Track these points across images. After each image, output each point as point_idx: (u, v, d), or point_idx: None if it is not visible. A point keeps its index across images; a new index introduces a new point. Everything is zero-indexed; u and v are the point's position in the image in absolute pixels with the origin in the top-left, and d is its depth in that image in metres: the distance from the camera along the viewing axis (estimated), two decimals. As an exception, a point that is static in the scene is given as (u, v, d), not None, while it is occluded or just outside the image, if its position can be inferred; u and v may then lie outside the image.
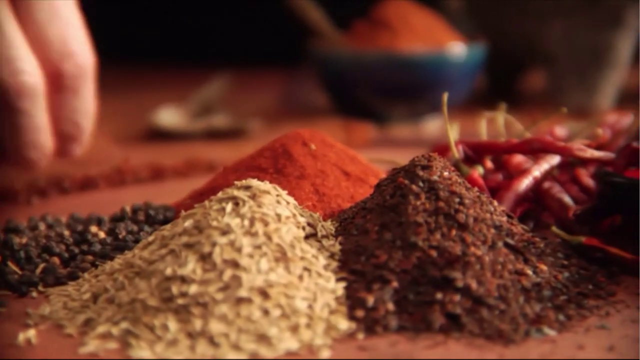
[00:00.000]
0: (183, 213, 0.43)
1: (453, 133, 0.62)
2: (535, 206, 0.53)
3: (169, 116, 0.80)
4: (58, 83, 0.54)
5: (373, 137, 0.81)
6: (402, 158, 0.62)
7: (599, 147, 0.54)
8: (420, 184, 0.44)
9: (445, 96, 0.54)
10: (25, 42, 0.53)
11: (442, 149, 0.58)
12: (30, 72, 0.52)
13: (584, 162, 0.53)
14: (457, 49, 0.84)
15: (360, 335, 0.38)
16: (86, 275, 0.42)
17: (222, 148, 0.74)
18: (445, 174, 0.45)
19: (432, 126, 0.85)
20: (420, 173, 0.45)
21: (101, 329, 0.37)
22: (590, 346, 0.37)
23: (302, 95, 0.98)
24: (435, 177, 0.44)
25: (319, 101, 0.91)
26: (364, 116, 0.85)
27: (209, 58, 1.05)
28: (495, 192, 0.52)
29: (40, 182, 0.61)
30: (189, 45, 1.14)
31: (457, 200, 0.44)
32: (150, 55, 1.17)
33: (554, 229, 0.49)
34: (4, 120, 0.52)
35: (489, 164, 0.56)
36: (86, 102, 0.56)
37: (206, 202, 0.43)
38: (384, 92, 0.84)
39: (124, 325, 0.37)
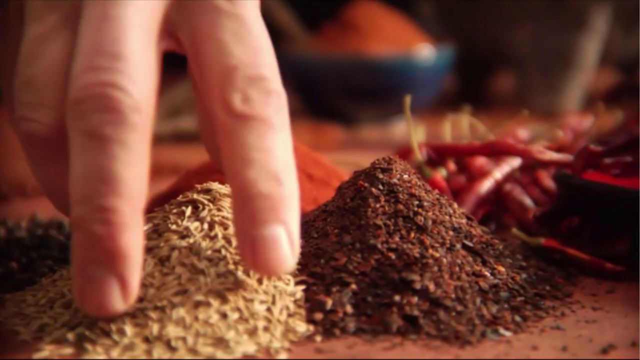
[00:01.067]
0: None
1: (418, 135, 0.62)
2: (497, 208, 0.54)
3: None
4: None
5: (342, 139, 0.81)
6: (368, 160, 0.62)
7: (559, 149, 0.55)
8: (380, 186, 0.44)
9: (408, 99, 0.55)
10: None
11: (407, 151, 0.58)
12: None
13: (545, 164, 0.54)
14: (425, 51, 0.85)
15: (318, 338, 0.39)
16: (44, 280, 0.42)
17: (189, 151, 0.74)
18: (405, 176, 0.45)
19: (400, 128, 0.86)
20: (380, 176, 0.45)
21: (57, 334, 0.37)
22: (544, 346, 0.37)
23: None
24: (394, 180, 0.45)
25: (289, 103, 0.91)
26: (333, 118, 0.85)
27: (178, 59, 1.04)
28: (458, 194, 0.53)
29: (2, 187, 0.60)
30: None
31: (416, 202, 0.44)
32: None
33: (514, 230, 0.49)
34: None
35: (452, 166, 0.56)
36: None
37: (166, 206, 0.43)
38: (353, 95, 0.85)
39: (80, 330, 0.37)
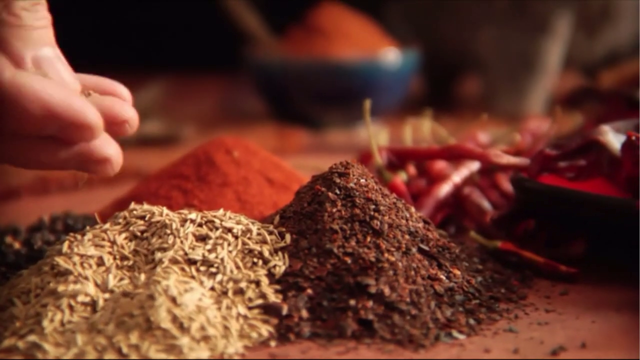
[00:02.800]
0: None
1: (380, 139, 0.63)
2: (456, 211, 0.54)
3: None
4: None
5: (307, 142, 0.81)
6: (330, 164, 0.62)
7: (517, 153, 0.55)
8: (337, 191, 0.45)
9: (367, 103, 0.55)
10: None
11: (368, 155, 0.59)
12: None
13: (503, 167, 0.54)
14: (391, 55, 0.85)
15: (273, 343, 0.39)
16: (-5, 287, 0.41)
17: (153, 155, 0.74)
18: (362, 181, 0.45)
19: (366, 131, 0.86)
20: (337, 180, 0.45)
21: (7, 342, 0.36)
22: (497, 349, 0.38)
23: (238, 101, 0.98)
24: (351, 185, 0.45)
25: (256, 107, 0.91)
26: (299, 122, 0.86)
27: (144, 63, 1.04)
28: (418, 197, 0.53)
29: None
30: (123, 50, 1.13)
31: (372, 207, 0.44)
32: (82, 58, 1.15)
33: (472, 233, 0.50)
34: None
35: (412, 170, 0.57)
36: None
37: (114, 218, 0.43)
38: (318, 98, 0.85)
39: (31, 338, 0.36)
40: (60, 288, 0.38)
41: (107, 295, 0.39)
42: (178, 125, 0.82)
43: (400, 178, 0.55)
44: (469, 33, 0.90)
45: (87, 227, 0.42)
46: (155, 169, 0.66)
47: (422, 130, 0.62)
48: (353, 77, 0.84)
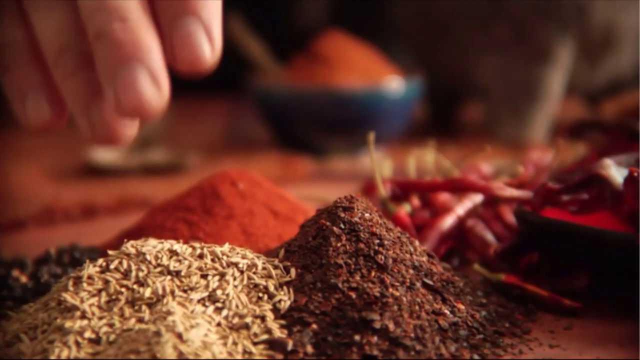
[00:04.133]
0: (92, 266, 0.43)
1: (384, 170, 0.63)
2: (460, 243, 0.54)
3: (105, 151, 0.80)
4: None
5: (311, 170, 0.82)
6: (336, 193, 0.62)
7: (521, 185, 0.56)
8: (342, 225, 0.45)
9: (372, 136, 0.56)
10: None
11: (372, 186, 0.59)
12: None
13: (507, 200, 0.55)
14: (394, 83, 0.86)
15: (278, 379, 0.39)
16: (2, 322, 0.42)
17: (158, 184, 0.74)
18: (367, 215, 0.46)
19: (369, 161, 0.86)
20: (342, 214, 0.45)
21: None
22: (501, 386, 0.38)
23: (242, 128, 0.99)
24: (356, 219, 0.45)
25: (259, 134, 0.92)
26: (303, 149, 0.86)
27: None
28: (422, 229, 0.54)
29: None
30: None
31: (377, 241, 0.44)
32: None
33: (476, 266, 0.50)
34: None
35: (416, 201, 0.57)
36: None
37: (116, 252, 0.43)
38: (322, 126, 0.86)
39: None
40: (67, 324, 0.39)
41: (113, 331, 0.39)
42: (183, 153, 0.82)
43: (404, 210, 0.55)
44: (470, 61, 0.90)
45: (94, 262, 0.43)
46: (161, 198, 0.67)
47: (426, 161, 0.63)
48: (356, 106, 0.85)
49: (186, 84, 1.18)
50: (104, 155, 0.79)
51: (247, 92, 0.90)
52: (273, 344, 0.40)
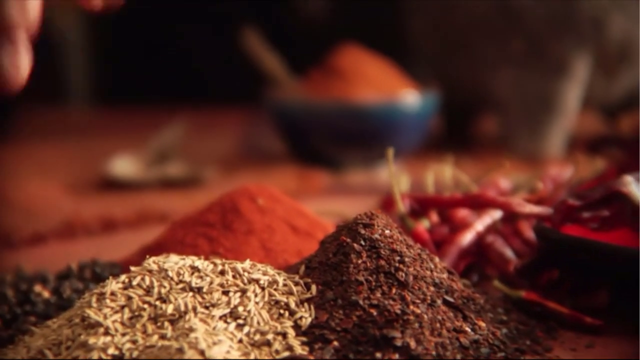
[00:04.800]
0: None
1: (402, 184, 0.63)
2: (479, 259, 0.54)
3: (123, 165, 0.80)
4: None
5: (327, 183, 0.82)
6: (356, 207, 0.62)
7: (539, 201, 0.56)
8: (362, 242, 0.45)
9: (391, 152, 0.56)
10: None
11: (390, 202, 0.59)
12: None
13: (526, 216, 0.55)
14: (410, 97, 0.86)
15: (300, 397, 0.39)
16: (26, 337, 0.42)
17: (176, 197, 0.75)
18: (387, 232, 0.46)
19: (385, 173, 0.86)
20: (362, 231, 0.45)
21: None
22: (524, 405, 0.38)
23: (259, 141, 0.99)
24: (376, 236, 0.45)
25: (276, 147, 0.92)
26: (319, 163, 0.86)
27: (165, 101, 1.05)
28: (441, 245, 0.54)
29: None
30: (144, 89, 1.14)
31: (397, 258, 0.44)
32: (104, 99, 1.17)
33: (496, 282, 0.50)
34: None
35: (435, 217, 0.57)
36: None
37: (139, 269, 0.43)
38: (338, 140, 0.86)
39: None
40: (91, 340, 0.39)
41: (136, 348, 0.39)
42: (200, 166, 0.83)
43: (423, 225, 0.55)
44: (486, 74, 0.91)
45: (116, 278, 0.43)
46: (178, 212, 0.67)
47: (444, 176, 0.63)
48: (372, 119, 0.85)
49: (202, 96, 1.19)
50: (122, 168, 0.80)
51: (264, 106, 0.91)
52: (295, 361, 0.40)
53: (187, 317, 0.41)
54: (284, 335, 0.41)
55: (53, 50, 1.14)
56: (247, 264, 0.45)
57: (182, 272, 0.43)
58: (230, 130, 1.04)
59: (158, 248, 0.52)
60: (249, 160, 0.91)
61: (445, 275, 0.46)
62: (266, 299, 0.43)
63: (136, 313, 0.41)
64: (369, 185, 0.82)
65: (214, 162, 0.85)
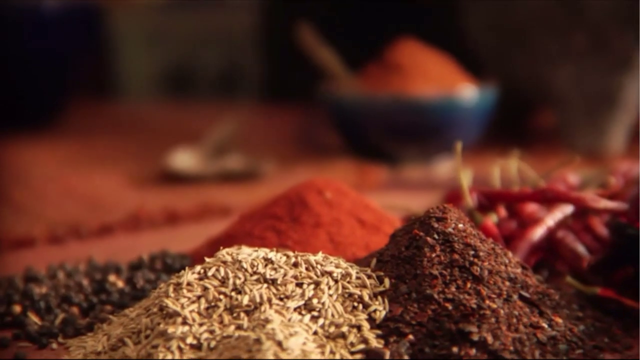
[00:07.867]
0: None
1: (466, 179, 0.62)
2: (549, 255, 0.53)
3: (183, 159, 0.81)
4: None
5: (385, 178, 0.82)
6: (415, 202, 0.62)
7: (611, 196, 0.54)
8: (435, 236, 0.45)
9: (459, 146, 0.55)
10: None
11: (456, 196, 0.58)
12: None
13: (600, 212, 0.54)
14: (469, 92, 0.85)
15: (377, 390, 0.39)
16: (104, 326, 0.43)
17: (236, 191, 0.75)
18: (460, 225, 0.45)
19: (443, 168, 0.86)
20: (435, 225, 0.45)
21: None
22: (607, 403, 0.37)
23: (316, 135, 0.99)
24: (449, 229, 0.45)
25: (333, 141, 0.92)
26: (376, 157, 0.86)
27: (223, 95, 1.06)
28: (509, 240, 0.53)
29: (57, 229, 0.61)
30: (201, 84, 1.15)
31: (471, 252, 0.44)
32: (163, 93, 1.19)
33: (569, 279, 0.49)
34: None
35: (503, 212, 0.56)
36: None
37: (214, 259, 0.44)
38: (396, 135, 0.85)
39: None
40: (170, 329, 0.39)
41: (213, 338, 0.40)
42: (258, 160, 0.83)
43: (491, 220, 0.54)
44: (545, 69, 0.89)
45: (192, 269, 0.43)
46: (239, 205, 0.68)
47: (509, 171, 0.62)
48: (430, 114, 0.84)
49: (260, 89, 1.20)
50: (182, 162, 0.80)
51: (320, 101, 0.91)
52: (370, 354, 0.40)
53: (262, 308, 0.41)
54: (359, 328, 0.41)
55: (109, 44, 1.16)
56: (320, 256, 0.45)
57: (255, 263, 0.43)
58: (286, 125, 1.04)
59: (227, 240, 0.52)
60: (305, 154, 0.91)
61: (519, 270, 0.45)
62: (340, 291, 0.43)
63: (212, 303, 0.41)
64: (427, 180, 0.81)
65: (271, 156, 0.86)
